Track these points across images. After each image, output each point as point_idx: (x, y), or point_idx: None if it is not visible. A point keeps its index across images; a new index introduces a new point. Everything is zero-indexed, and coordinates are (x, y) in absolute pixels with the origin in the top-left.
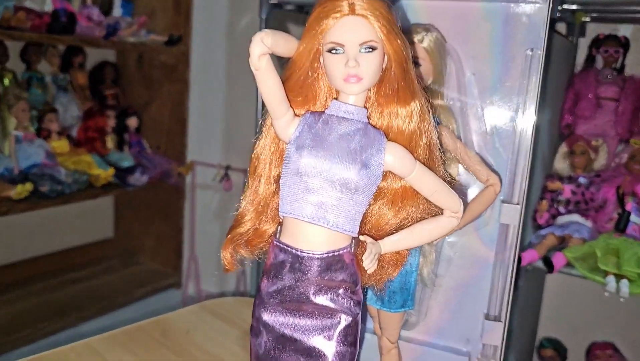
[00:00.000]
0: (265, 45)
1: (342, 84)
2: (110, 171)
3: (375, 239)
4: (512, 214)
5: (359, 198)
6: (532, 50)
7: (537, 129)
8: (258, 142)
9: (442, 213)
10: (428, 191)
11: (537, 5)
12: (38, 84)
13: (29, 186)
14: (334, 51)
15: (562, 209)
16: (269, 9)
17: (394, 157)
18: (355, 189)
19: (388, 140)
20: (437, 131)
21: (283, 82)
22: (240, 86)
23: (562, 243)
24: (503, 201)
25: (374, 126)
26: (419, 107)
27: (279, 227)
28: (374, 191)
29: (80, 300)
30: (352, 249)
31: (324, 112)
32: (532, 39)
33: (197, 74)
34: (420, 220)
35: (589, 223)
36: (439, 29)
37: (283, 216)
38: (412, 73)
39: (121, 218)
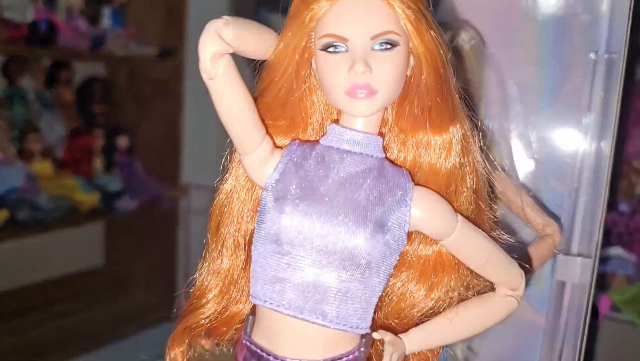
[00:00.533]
0: (223, 40)
1: (346, 100)
2: (95, 196)
3: (397, 332)
4: (571, 269)
5: (372, 278)
6: (595, 53)
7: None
8: (221, 186)
9: (493, 289)
10: (476, 260)
11: None
12: (20, 101)
13: (4, 214)
14: (332, 49)
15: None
16: (266, 20)
17: (424, 212)
18: (367, 265)
19: (415, 184)
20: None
21: (256, 99)
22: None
23: (604, 282)
24: (559, 252)
25: (394, 162)
26: (460, 134)
27: (250, 317)
28: (395, 261)
29: (62, 338)
30: (362, 353)
31: (318, 142)
32: (595, 39)
33: (191, 90)
34: (462, 301)
35: (633, 257)
36: (474, 27)
37: (254, 303)
38: (452, 84)
39: (111, 245)
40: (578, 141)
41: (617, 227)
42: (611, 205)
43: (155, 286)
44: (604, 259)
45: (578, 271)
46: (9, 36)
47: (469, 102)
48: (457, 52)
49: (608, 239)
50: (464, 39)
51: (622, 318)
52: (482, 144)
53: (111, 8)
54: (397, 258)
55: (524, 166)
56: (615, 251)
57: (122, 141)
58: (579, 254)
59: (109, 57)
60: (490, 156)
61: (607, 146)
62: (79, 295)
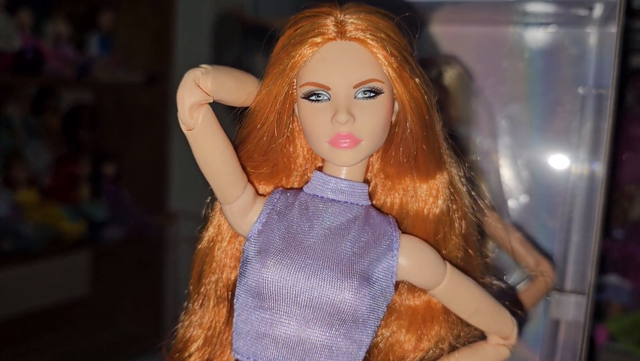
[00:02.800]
0: (202, 90)
1: (329, 149)
2: (81, 225)
3: None
4: (565, 307)
5: (359, 332)
6: (583, 87)
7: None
8: (203, 233)
9: (484, 337)
10: (466, 310)
11: (590, 29)
12: (5, 128)
13: None
14: (314, 97)
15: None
16: (252, 47)
17: (412, 262)
18: (353, 319)
19: (402, 232)
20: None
21: (237, 147)
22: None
23: (599, 310)
24: (551, 291)
25: (380, 210)
26: (447, 180)
27: None
28: (383, 314)
29: None
30: None
31: (301, 189)
32: (583, 73)
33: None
34: (453, 351)
35: (628, 284)
36: (461, 62)
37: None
38: (438, 130)
39: (98, 274)
40: (569, 176)
41: (612, 254)
42: (605, 232)
43: (142, 316)
44: (598, 288)
45: (572, 309)
46: None
47: (456, 146)
48: (444, 88)
49: (603, 266)
50: (451, 75)
51: (619, 348)
52: (470, 188)
53: (98, 35)
54: (385, 310)
55: (514, 201)
56: (610, 278)
57: (109, 168)
58: (573, 292)
59: (95, 84)
60: (480, 195)
61: (599, 182)
62: (65, 325)
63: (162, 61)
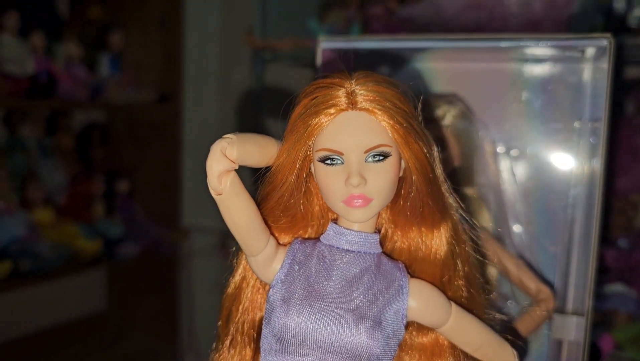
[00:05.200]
0: (229, 159)
1: (343, 207)
2: (97, 244)
3: None
4: (567, 328)
5: None
6: (579, 120)
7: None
8: (230, 279)
9: None
10: (470, 345)
11: (585, 65)
12: (21, 150)
13: (7, 265)
14: (329, 162)
15: (602, 278)
16: (262, 64)
17: (420, 303)
18: (368, 360)
19: (411, 276)
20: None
21: (259, 203)
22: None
23: (606, 319)
24: (555, 311)
25: (390, 255)
26: (451, 228)
27: None
28: (395, 352)
29: None
30: None
31: (319, 239)
32: (579, 107)
33: (190, 132)
34: None
35: (634, 293)
36: (463, 100)
37: None
38: (442, 185)
39: (113, 291)
40: (569, 203)
41: (618, 263)
42: (611, 241)
43: (157, 330)
44: (605, 297)
45: (574, 330)
46: (10, 90)
47: (457, 196)
48: (447, 127)
49: (608, 276)
50: (454, 113)
51: (625, 357)
52: (472, 234)
53: (109, 54)
54: (397, 349)
55: (517, 231)
56: (617, 288)
57: (123, 186)
58: (574, 313)
59: (107, 103)
60: (480, 236)
61: (596, 210)
62: (82, 342)
63: (172, 78)
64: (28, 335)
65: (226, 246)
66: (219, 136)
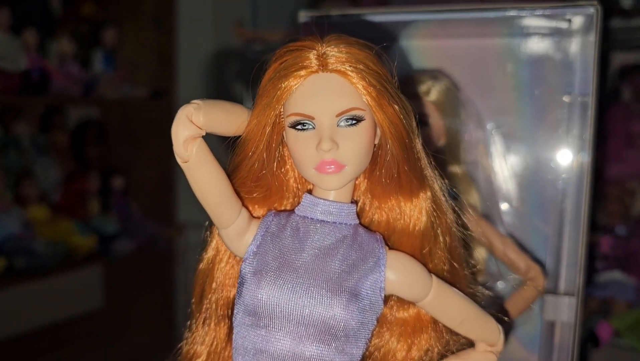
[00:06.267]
0: (195, 124)
1: (315, 174)
2: (92, 241)
3: None
4: (560, 309)
5: (350, 345)
6: (569, 95)
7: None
8: (203, 255)
9: (472, 345)
10: (453, 320)
11: (573, 38)
12: (15, 148)
13: (1, 263)
14: (299, 127)
15: (599, 265)
16: (252, 55)
17: (399, 276)
18: (344, 334)
19: (390, 247)
20: (459, 215)
21: (230, 174)
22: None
23: (604, 307)
24: (546, 292)
25: (368, 227)
26: (430, 197)
27: None
28: (374, 326)
29: None
30: None
31: (293, 211)
32: (568, 81)
33: None
34: (442, 359)
35: (632, 281)
36: (449, 75)
37: None
38: (418, 150)
39: (110, 288)
40: (559, 181)
41: (615, 251)
42: (607, 228)
43: (154, 327)
44: (603, 285)
45: (566, 310)
46: (3, 86)
47: (435, 150)
48: (433, 103)
49: (606, 263)
50: (439, 88)
51: (624, 344)
52: (453, 203)
53: (103, 51)
54: (375, 323)
55: (507, 206)
56: (615, 275)
57: (118, 182)
58: (566, 294)
59: (101, 100)
60: (465, 208)
61: (587, 185)
62: (79, 339)
63: (165, 74)
64: (24, 333)
65: None
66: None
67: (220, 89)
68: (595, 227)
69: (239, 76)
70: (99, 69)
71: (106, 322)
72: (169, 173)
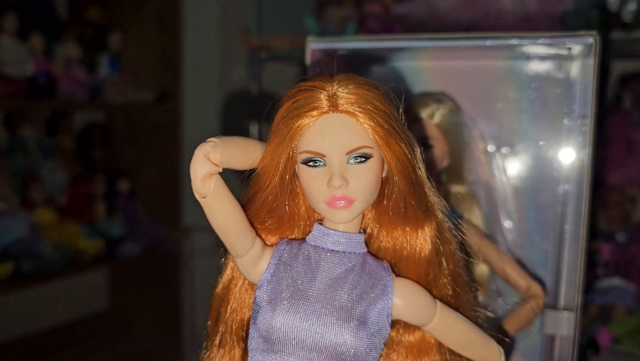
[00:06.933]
0: (212, 161)
1: (326, 208)
2: (98, 243)
3: None
4: (559, 323)
5: None
6: (569, 116)
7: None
8: (218, 280)
9: None
10: (456, 343)
11: (573, 62)
12: (21, 151)
13: (9, 266)
14: (311, 163)
15: (600, 271)
16: (258, 63)
17: (405, 302)
18: (354, 359)
19: (396, 275)
20: (462, 237)
21: (244, 205)
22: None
23: (604, 313)
24: (546, 307)
25: (375, 255)
26: (435, 227)
27: None
28: (381, 350)
29: None
30: None
31: (304, 240)
32: (568, 103)
33: (189, 131)
34: None
35: (632, 287)
36: (452, 98)
37: None
38: (424, 184)
39: (116, 290)
40: (559, 200)
41: (615, 257)
42: (608, 235)
43: (160, 329)
44: (603, 291)
45: (566, 325)
46: (10, 91)
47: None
48: (436, 126)
49: (606, 270)
50: (442, 111)
51: (623, 351)
52: (456, 232)
53: (108, 55)
54: (383, 347)
55: (508, 228)
56: (614, 281)
57: (123, 185)
58: (566, 308)
59: (107, 104)
60: (466, 235)
61: (584, 207)
62: (84, 342)
63: (170, 78)
64: (30, 336)
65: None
66: (217, 134)
67: (225, 93)
68: (595, 234)
69: (243, 80)
70: (105, 73)
71: (112, 324)
72: (174, 176)
